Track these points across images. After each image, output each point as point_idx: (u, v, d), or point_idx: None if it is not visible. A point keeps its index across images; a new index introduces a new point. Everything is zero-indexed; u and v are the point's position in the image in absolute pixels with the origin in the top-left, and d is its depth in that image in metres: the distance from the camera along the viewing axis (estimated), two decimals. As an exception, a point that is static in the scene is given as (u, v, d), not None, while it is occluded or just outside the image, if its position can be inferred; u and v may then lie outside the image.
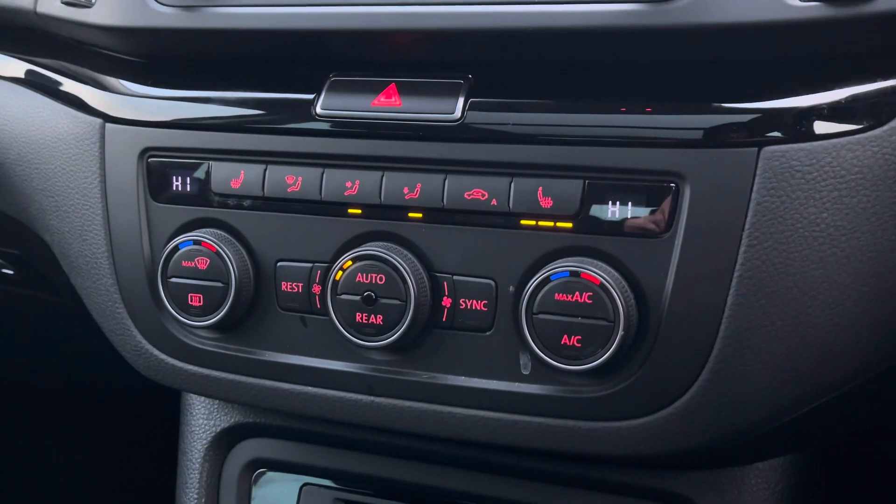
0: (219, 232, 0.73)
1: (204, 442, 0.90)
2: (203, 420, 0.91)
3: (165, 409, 1.03)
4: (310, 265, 0.70)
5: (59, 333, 1.26)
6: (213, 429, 0.90)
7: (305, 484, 0.87)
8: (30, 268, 1.09)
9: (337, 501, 0.87)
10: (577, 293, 0.62)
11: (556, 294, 0.62)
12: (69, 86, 0.81)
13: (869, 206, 0.59)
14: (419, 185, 0.67)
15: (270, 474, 0.89)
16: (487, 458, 0.78)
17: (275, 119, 0.72)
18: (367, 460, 0.84)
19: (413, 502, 0.84)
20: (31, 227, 0.88)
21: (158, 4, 0.73)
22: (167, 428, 1.01)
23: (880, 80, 0.60)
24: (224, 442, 0.90)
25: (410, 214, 0.68)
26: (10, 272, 1.14)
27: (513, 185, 0.64)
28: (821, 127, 0.59)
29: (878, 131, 0.59)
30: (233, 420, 0.90)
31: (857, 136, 0.59)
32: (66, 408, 1.41)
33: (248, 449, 0.89)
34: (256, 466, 0.89)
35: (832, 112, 0.59)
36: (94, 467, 1.48)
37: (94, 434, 1.48)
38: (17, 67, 0.85)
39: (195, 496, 0.90)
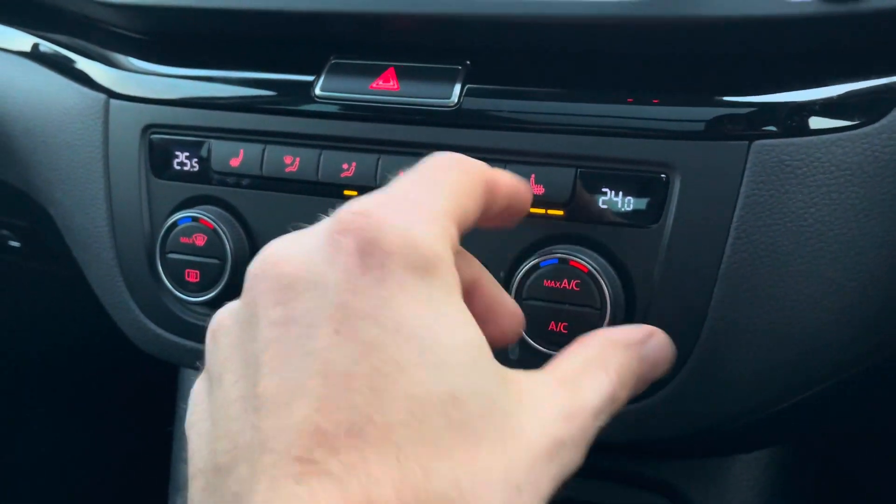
0: (217, 209, 0.74)
1: (200, 417, 0.91)
2: (200, 395, 0.92)
3: (164, 386, 1.04)
4: (305, 245, 0.71)
5: (61, 309, 1.28)
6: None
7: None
8: (36, 240, 1.10)
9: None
10: (565, 280, 0.62)
11: (545, 280, 0.63)
12: (75, 61, 0.83)
13: (858, 202, 0.60)
14: (414, 169, 0.67)
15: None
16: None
17: (275, 100, 0.73)
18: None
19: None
20: (36, 199, 0.90)
21: (163, -17, 0.74)
22: (165, 403, 1.02)
23: (874, 78, 0.60)
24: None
25: (405, 198, 0.68)
26: (17, 244, 1.15)
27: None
28: (812, 122, 0.60)
29: (869, 128, 0.59)
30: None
31: (848, 132, 0.59)
32: (65, 383, 1.43)
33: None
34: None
35: (824, 108, 0.60)
36: (90, 440, 1.50)
37: (90, 409, 1.50)
38: (24, 42, 0.86)
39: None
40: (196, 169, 0.75)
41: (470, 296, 0.47)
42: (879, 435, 0.90)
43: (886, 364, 0.68)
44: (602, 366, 0.46)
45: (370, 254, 0.38)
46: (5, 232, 1.14)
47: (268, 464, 0.35)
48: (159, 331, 0.79)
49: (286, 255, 0.41)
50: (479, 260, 0.66)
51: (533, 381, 0.44)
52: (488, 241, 0.66)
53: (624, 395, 0.47)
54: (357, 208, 0.40)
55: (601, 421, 0.45)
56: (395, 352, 0.36)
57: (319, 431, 0.35)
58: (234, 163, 0.73)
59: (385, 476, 0.34)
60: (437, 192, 0.43)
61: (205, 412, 0.41)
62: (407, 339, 0.36)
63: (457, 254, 0.42)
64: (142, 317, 0.79)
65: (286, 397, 0.36)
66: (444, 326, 0.38)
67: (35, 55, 0.85)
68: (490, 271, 0.66)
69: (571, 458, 0.42)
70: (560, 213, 0.64)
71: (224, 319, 0.43)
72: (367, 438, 0.35)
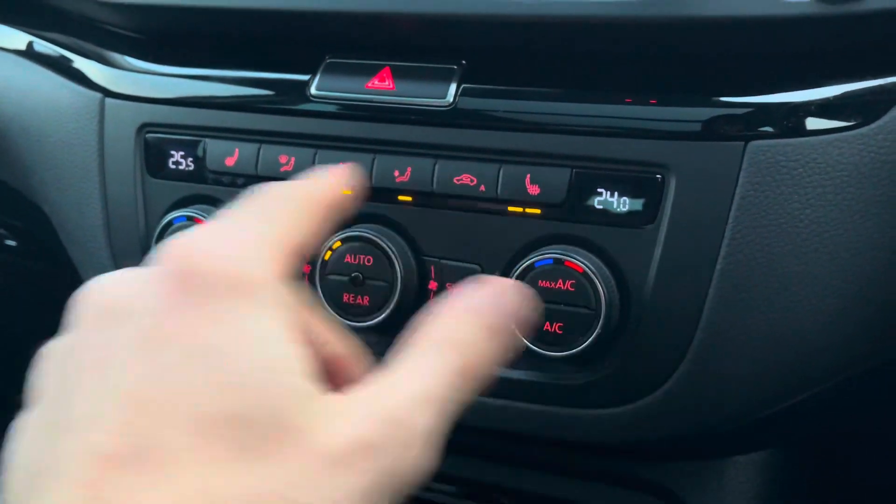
0: (212, 209, 0.74)
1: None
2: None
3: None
4: (300, 244, 0.71)
5: (57, 308, 1.27)
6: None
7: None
8: (31, 239, 1.10)
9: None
10: (560, 280, 0.62)
11: (540, 281, 0.62)
12: (71, 60, 0.82)
13: (853, 203, 0.59)
14: (409, 169, 0.67)
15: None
16: (469, 441, 0.78)
17: (270, 99, 0.73)
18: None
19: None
20: (31, 198, 0.89)
21: (159, -19, 0.73)
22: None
23: (870, 79, 0.60)
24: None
25: (400, 198, 0.68)
26: (13, 243, 1.15)
27: (501, 171, 0.65)
28: (809, 123, 0.59)
29: (865, 129, 0.59)
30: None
31: (844, 133, 0.59)
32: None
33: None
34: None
35: (821, 109, 0.60)
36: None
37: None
38: (19, 40, 0.86)
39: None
40: (191, 168, 0.75)
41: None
42: (875, 437, 0.90)
43: (882, 367, 0.68)
44: (439, 346, 0.43)
45: (184, 280, 0.39)
46: (1, 231, 1.14)
47: (57, 489, 0.35)
48: (154, 330, 0.78)
49: (108, 285, 0.42)
50: (474, 259, 0.66)
51: (350, 391, 0.41)
52: (483, 241, 0.66)
53: (478, 363, 0.43)
54: (180, 240, 0.41)
55: (448, 409, 0.41)
56: (187, 374, 0.37)
57: (107, 457, 0.35)
58: (230, 162, 0.73)
59: (161, 497, 0.35)
60: (264, 222, 0.44)
61: (19, 440, 0.41)
62: (202, 361, 0.37)
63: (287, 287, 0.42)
64: (136, 316, 0.79)
65: (85, 422, 0.36)
66: (245, 347, 0.38)
67: (30, 53, 0.85)
68: (485, 272, 0.66)
69: (395, 459, 0.39)
70: (555, 212, 0.64)
71: (50, 348, 0.43)
72: (151, 463, 0.35)
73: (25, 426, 0.40)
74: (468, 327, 0.44)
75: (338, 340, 0.50)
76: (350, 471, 0.38)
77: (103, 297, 0.41)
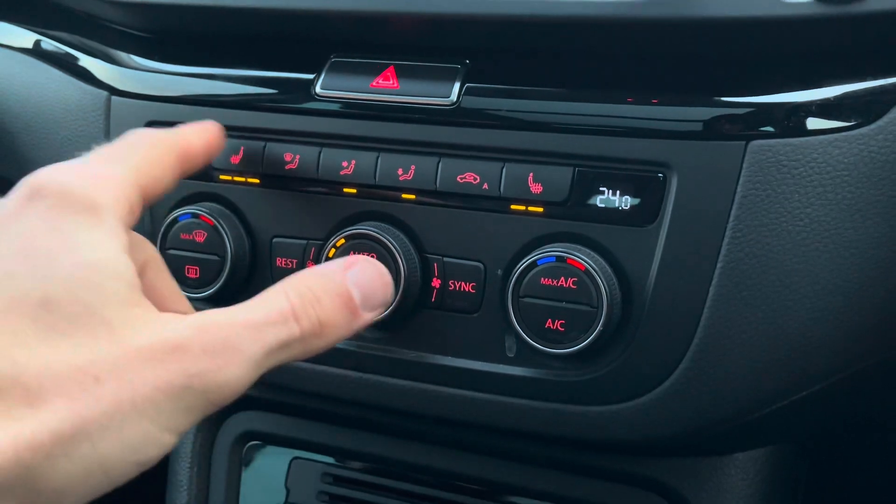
0: (217, 206, 0.74)
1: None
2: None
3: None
4: (304, 242, 0.72)
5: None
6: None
7: (295, 458, 0.89)
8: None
9: (325, 476, 0.88)
10: (562, 278, 0.63)
11: (542, 278, 0.63)
12: (77, 58, 0.83)
13: (853, 202, 0.60)
14: (413, 167, 0.68)
15: (262, 447, 0.90)
16: (473, 438, 0.79)
17: (275, 97, 0.73)
18: (357, 437, 0.85)
19: (399, 479, 0.85)
20: (37, 196, 0.90)
21: (165, -20, 0.74)
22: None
23: (870, 79, 0.60)
24: (217, 414, 0.91)
25: (404, 196, 0.69)
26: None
27: (504, 170, 0.66)
28: (809, 123, 0.60)
29: (865, 129, 0.60)
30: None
31: (845, 133, 0.60)
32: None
33: (241, 422, 0.90)
34: (248, 439, 0.90)
35: (821, 109, 0.60)
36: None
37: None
38: (26, 38, 0.87)
39: (187, 466, 0.92)
40: (197, 166, 0.76)
41: (140, 272, 0.50)
42: (874, 434, 0.90)
43: (882, 365, 0.68)
44: (281, 288, 0.48)
45: (32, 196, 0.45)
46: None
47: None
48: (159, 327, 0.79)
49: None
50: (477, 257, 0.67)
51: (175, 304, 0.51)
52: (485, 239, 0.67)
53: (313, 313, 0.47)
54: (41, 169, 0.47)
55: (271, 337, 0.45)
56: (13, 263, 0.43)
57: None
58: (235, 160, 0.74)
59: None
60: (119, 162, 0.50)
61: None
62: (26, 256, 0.43)
63: (131, 235, 0.48)
64: (141, 313, 0.80)
65: None
66: (73, 249, 0.44)
67: (37, 52, 0.86)
68: (488, 270, 0.67)
69: (205, 366, 0.43)
70: (557, 211, 0.65)
71: None
72: None
73: None
74: (319, 284, 0.48)
75: (181, 300, 0.57)
76: (157, 365, 0.42)
77: None
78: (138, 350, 0.42)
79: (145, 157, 0.52)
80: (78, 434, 0.40)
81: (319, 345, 0.48)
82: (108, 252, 0.45)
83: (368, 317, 0.51)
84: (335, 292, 0.49)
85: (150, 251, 0.55)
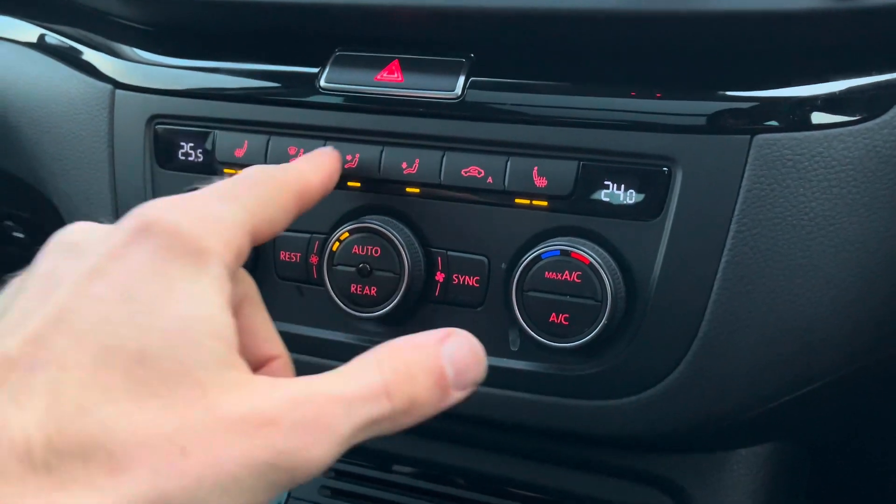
0: (221, 200, 0.74)
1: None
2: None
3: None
4: (308, 236, 0.72)
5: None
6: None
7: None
8: (40, 231, 1.11)
9: (327, 470, 0.88)
10: (566, 272, 0.63)
11: (547, 272, 0.63)
12: (81, 52, 0.83)
13: (858, 197, 0.60)
14: (417, 161, 0.68)
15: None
16: (475, 432, 0.79)
17: (280, 91, 0.73)
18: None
19: (401, 474, 0.85)
20: (41, 190, 0.90)
21: (170, -26, 0.74)
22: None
23: (875, 74, 0.60)
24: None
25: (408, 189, 0.69)
26: (22, 235, 1.15)
27: (509, 163, 0.66)
28: (814, 117, 0.60)
29: (870, 124, 0.60)
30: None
31: (850, 127, 0.60)
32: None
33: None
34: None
35: (826, 103, 0.60)
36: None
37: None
38: (30, 32, 0.87)
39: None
40: (200, 160, 0.76)
41: (236, 310, 0.48)
42: (877, 430, 0.90)
43: (886, 360, 0.68)
44: (374, 361, 0.44)
45: (139, 235, 0.42)
46: (9, 223, 1.14)
47: None
48: (162, 320, 0.79)
49: (75, 228, 0.46)
50: (481, 251, 0.67)
51: (279, 378, 0.43)
52: (490, 233, 0.67)
53: (406, 390, 0.44)
54: (150, 202, 0.45)
55: (362, 414, 0.42)
56: (108, 308, 0.40)
57: (7, 360, 0.38)
58: (239, 153, 0.74)
59: (36, 406, 0.37)
60: (232, 202, 0.47)
61: None
62: (126, 301, 0.40)
63: (236, 268, 0.46)
64: (145, 306, 0.80)
65: (6, 333, 0.40)
66: (175, 300, 0.41)
67: (41, 46, 0.86)
68: (492, 264, 0.67)
69: (294, 444, 0.40)
70: (562, 205, 0.65)
71: (12, 279, 0.46)
72: (41, 373, 0.38)
73: None
74: (413, 359, 0.45)
75: (275, 340, 0.52)
76: (245, 440, 0.39)
77: (67, 236, 0.46)
78: (229, 421, 0.39)
79: (261, 196, 0.49)
80: None
81: (406, 422, 0.44)
82: (210, 308, 0.42)
83: (458, 396, 0.46)
84: (429, 369, 0.45)
85: (249, 286, 0.52)
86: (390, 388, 0.43)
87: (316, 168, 0.58)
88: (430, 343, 0.46)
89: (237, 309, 0.48)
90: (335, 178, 0.60)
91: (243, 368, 0.42)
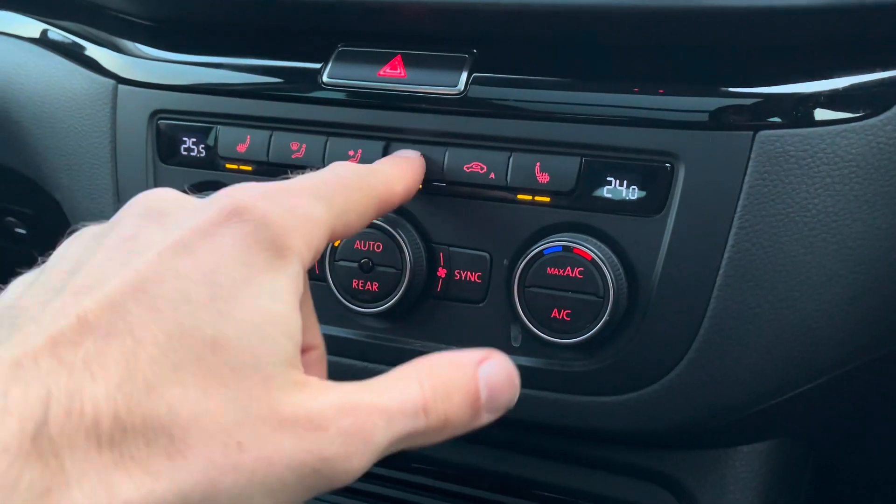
0: (223, 195, 0.74)
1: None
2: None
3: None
4: (310, 231, 0.72)
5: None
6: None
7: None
8: (42, 228, 1.11)
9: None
10: (568, 268, 0.62)
11: (549, 268, 0.63)
12: (84, 47, 0.83)
13: (861, 193, 0.60)
14: (420, 156, 0.68)
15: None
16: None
17: (282, 86, 0.73)
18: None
19: (401, 469, 0.85)
20: (43, 186, 0.90)
21: (172, -31, 0.74)
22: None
23: (879, 70, 0.60)
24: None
25: (410, 185, 0.69)
26: (23, 231, 1.15)
27: (511, 159, 0.65)
28: (817, 114, 0.60)
29: (873, 120, 0.59)
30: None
31: (853, 124, 0.60)
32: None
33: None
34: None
35: (829, 99, 0.60)
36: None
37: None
38: (33, 28, 0.87)
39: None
40: (203, 155, 0.76)
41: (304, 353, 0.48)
42: (879, 428, 0.90)
43: (888, 357, 0.68)
44: (415, 376, 0.44)
45: (231, 218, 0.42)
46: (11, 219, 1.14)
47: (26, 334, 0.37)
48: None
49: (163, 192, 0.46)
50: (483, 247, 0.67)
51: (326, 380, 0.44)
52: (492, 229, 0.67)
53: (441, 409, 0.43)
54: (244, 185, 0.45)
55: (400, 427, 0.42)
56: (190, 287, 0.39)
57: (83, 323, 0.37)
58: (241, 149, 0.74)
59: (109, 378, 0.36)
60: (321, 199, 0.47)
61: (17, 286, 0.43)
62: (208, 284, 0.40)
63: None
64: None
65: (82, 291, 0.39)
66: (252, 291, 0.40)
67: (44, 41, 0.86)
68: (494, 260, 0.67)
69: (334, 449, 0.40)
70: (564, 201, 0.65)
71: (83, 229, 0.46)
72: (116, 342, 0.37)
73: (28, 279, 0.43)
74: (452, 378, 0.45)
75: (315, 329, 0.53)
76: (296, 443, 0.39)
77: (154, 199, 0.45)
78: (286, 421, 0.39)
79: (349, 199, 0.49)
80: (203, 502, 0.37)
81: (437, 439, 0.45)
82: (286, 305, 0.42)
83: (487, 418, 0.46)
84: (466, 390, 0.45)
85: (306, 282, 0.51)
86: (428, 405, 0.43)
87: (402, 175, 0.58)
88: (469, 363, 0.46)
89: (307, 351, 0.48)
90: (418, 187, 0.60)
91: (301, 369, 0.42)
